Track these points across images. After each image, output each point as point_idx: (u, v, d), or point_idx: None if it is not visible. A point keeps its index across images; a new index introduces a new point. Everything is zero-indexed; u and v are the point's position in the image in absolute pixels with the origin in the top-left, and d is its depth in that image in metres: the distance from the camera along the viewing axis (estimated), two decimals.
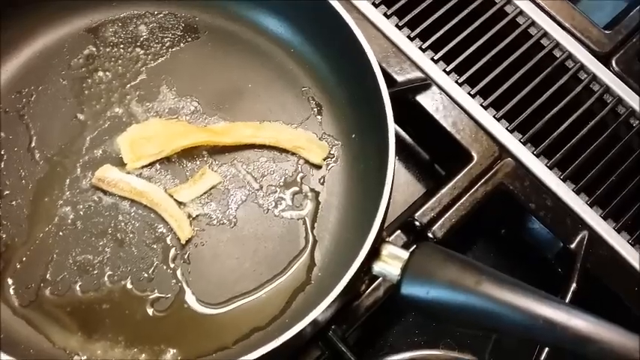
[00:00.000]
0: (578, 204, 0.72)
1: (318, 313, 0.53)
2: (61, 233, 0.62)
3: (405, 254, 0.55)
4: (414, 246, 0.56)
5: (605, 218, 0.72)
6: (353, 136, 0.68)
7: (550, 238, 0.71)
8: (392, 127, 0.61)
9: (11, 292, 0.59)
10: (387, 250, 0.56)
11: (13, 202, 0.62)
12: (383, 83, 0.62)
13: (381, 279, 0.65)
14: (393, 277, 0.55)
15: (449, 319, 0.54)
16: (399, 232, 0.68)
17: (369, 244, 0.54)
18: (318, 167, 0.67)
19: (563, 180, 0.73)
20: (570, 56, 0.79)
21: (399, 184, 0.77)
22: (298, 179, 0.67)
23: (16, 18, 0.66)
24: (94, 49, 0.69)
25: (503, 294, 0.50)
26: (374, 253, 0.56)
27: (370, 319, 0.67)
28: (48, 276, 0.60)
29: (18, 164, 0.64)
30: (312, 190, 0.67)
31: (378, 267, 0.56)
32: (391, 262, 0.55)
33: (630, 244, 0.71)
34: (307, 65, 0.71)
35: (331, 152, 0.68)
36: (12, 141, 0.64)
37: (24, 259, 0.60)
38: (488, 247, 0.75)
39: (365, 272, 0.56)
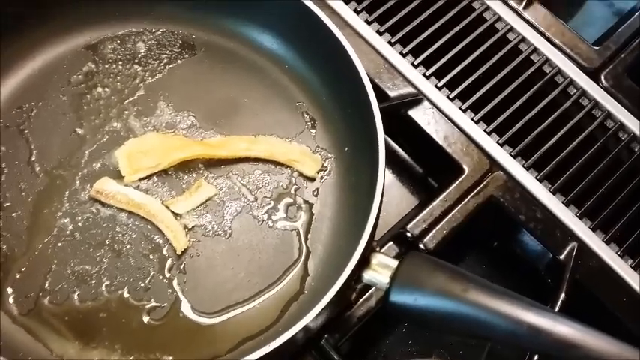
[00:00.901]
0: (567, 216, 0.73)
1: (309, 319, 0.54)
2: (59, 244, 0.63)
3: (394, 263, 0.56)
4: (404, 255, 0.57)
5: (594, 230, 0.73)
6: (346, 149, 0.70)
7: (540, 250, 0.72)
8: (382, 141, 0.62)
9: (11, 301, 0.60)
10: (377, 259, 0.57)
11: (14, 214, 0.64)
12: (374, 98, 0.64)
13: (373, 289, 0.66)
14: (383, 285, 0.56)
15: (437, 326, 0.55)
16: (391, 243, 0.69)
17: (359, 253, 0.56)
18: (312, 180, 0.69)
19: (553, 193, 0.74)
20: (560, 72, 0.81)
21: (393, 197, 0.79)
22: (292, 191, 0.68)
23: (17, 36, 0.68)
24: (93, 65, 0.71)
25: (490, 301, 0.51)
26: (364, 262, 0.57)
27: (363, 329, 0.68)
28: (47, 285, 0.61)
29: (18, 177, 0.65)
30: (305, 202, 0.68)
31: (368, 275, 0.57)
32: (381, 270, 0.57)
33: (619, 255, 0.72)
34: (301, 81, 0.73)
35: (324, 165, 0.70)
36: (12, 155, 0.66)
37: (23, 269, 0.62)
38: (480, 259, 0.77)
39: (355, 280, 0.57)
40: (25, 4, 0.68)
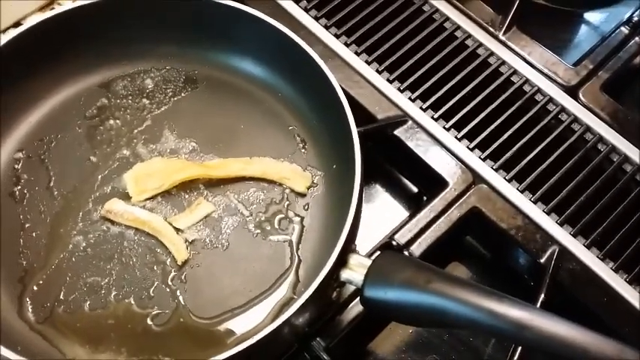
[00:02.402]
0: (548, 223, 0.77)
1: (289, 314, 0.59)
2: (73, 259, 0.70)
3: (369, 262, 0.61)
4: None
5: (575, 235, 0.76)
6: (334, 167, 0.76)
7: (522, 255, 0.76)
8: (359, 158, 0.67)
9: (29, 310, 0.67)
10: (354, 259, 0.62)
11: (34, 234, 0.71)
12: (352, 122, 0.69)
13: None
14: (358, 282, 0.61)
15: (409, 318, 0.60)
16: (378, 252, 0.74)
17: (337, 254, 0.61)
18: (303, 195, 0.75)
19: (534, 202, 0.78)
20: (539, 90, 0.85)
21: (386, 212, 0.83)
22: (284, 206, 0.74)
23: (40, 75, 0.77)
24: (106, 101, 0.79)
25: (451, 290, 0.55)
26: (342, 263, 0.62)
27: (356, 334, 0.72)
28: (61, 296, 0.68)
29: (38, 201, 0.73)
30: (297, 215, 0.74)
31: (345, 274, 0.62)
32: (357, 269, 0.62)
33: (600, 258, 0.75)
34: (293, 107, 0.79)
35: (314, 182, 0.76)
36: (33, 182, 0.73)
37: (41, 282, 0.68)
38: (467, 267, 0.80)
39: (335, 279, 0.62)
40: (46, 49, 0.77)
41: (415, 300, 0.56)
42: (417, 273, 0.57)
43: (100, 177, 0.75)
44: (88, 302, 0.68)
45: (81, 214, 0.72)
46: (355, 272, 0.61)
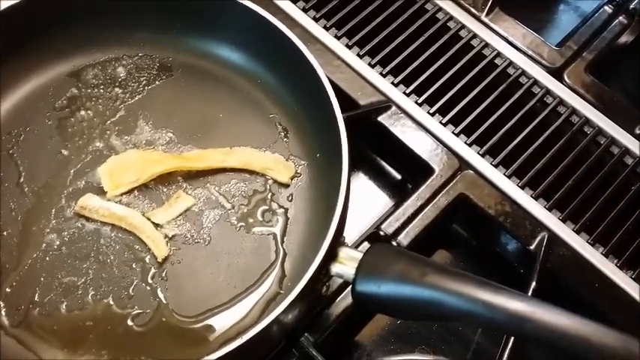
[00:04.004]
0: (536, 209, 0.75)
1: (278, 312, 0.56)
2: (47, 258, 0.67)
3: (359, 255, 0.59)
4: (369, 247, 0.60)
5: (564, 221, 0.75)
6: (317, 155, 0.73)
7: (512, 242, 0.75)
8: (345, 146, 0.65)
9: (2, 313, 0.64)
10: (344, 252, 0.60)
11: (4, 232, 0.67)
12: (337, 108, 0.67)
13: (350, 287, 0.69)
14: (349, 277, 0.59)
15: (402, 312, 0.58)
16: (365, 242, 0.72)
17: (326, 248, 0.59)
18: (286, 186, 0.72)
19: (522, 187, 0.77)
20: (524, 73, 0.84)
21: (371, 201, 0.81)
22: (268, 198, 0.72)
23: (4, 65, 0.73)
24: (77, 91, 0.75)
25: (447, 283, 0.54)
26: (332, 257, 0.60)
27: (345, 327, 0.70)
28: (36, 298, 0.64)
29: (8, 198, 0.69)
30: (280, 206, 0.71)
31: (335, 268, 0.60)
32: (347, 263, 0.59)
33: (590, 243, 0.74)
34: (273, 94, 0.76)
35: (298, 171, 0.73)
36: (2, 178, 0.70)
37: (14, 283, 0.65)
38: (456, 256, 0.79)
39: (325, 274, 0.60)
40: (10, 38, 0.73)
41: (410, 294, 0.54)
42: (410, 266, 0.55)
43: (72, 171, 0.71)
44: (65, 303, 0.65)
45: (54, 210, 0.69)
46: (346, 266, 0.59)
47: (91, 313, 0.64)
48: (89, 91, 0.76)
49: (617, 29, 0.88)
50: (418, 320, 0.71)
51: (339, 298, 0.69)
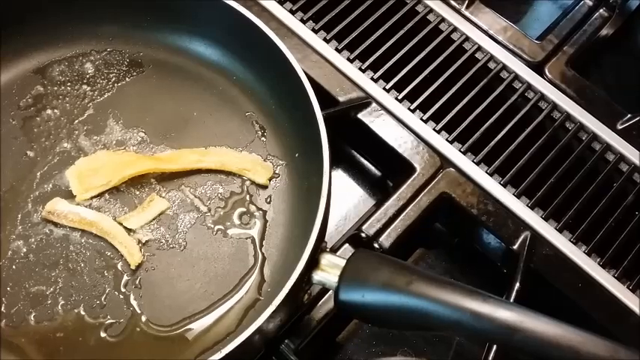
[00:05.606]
0: (519, 207, 0.74)
1: (260, 322, 0.54)
2: (14, 267, 0.63)
3: (342, 262, 0.57)
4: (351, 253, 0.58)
5: (546, 219, 0.74)
6: (296, 155, 0.71)
7: (495, 242, 0.73)
8: (326, 145, 0.63)
9: None
10: (326, 259, 0.58)
11: None
12: (316, 105, 0.65)
13: (331, 291, 0.67)
14: (332, 285, 0.57)
15: (387, 321, 0.56)
16: (346, 245, 0.70)
17: (307, 255, 0.56)
18: (264, 187, 0.70)
19: (504, 185, 0.75)
20: (505, 67, 0.82)
21: (351, 200, 0.79)
22: (245, 200, 0.69)
23: None
24: (42, 88, 0.72)
25: (433, 292, 0.52)
26: (314, 264, 0.58)
27: (326, 332, 0.69)
28: (2, 309, 0.61)
29: None
30: (259, 209, 0.69)
31: (317, 276, 0.58)
32: (330, 270, 0.57)
33: (572, 242, 0.73)
34: (249, 91, 0.74)
35: (276, 172, 0.71)
36: None
37: None
38: (439, 256, 0.77)
39: (306, 282, 0.58)
40: None
41: (395, 302, 0.53)
42: (395, 273, 0.53)
43: (39, 174, 0.68)
44: (33, 314, 0.62)
45: (20, 216, 0.66)
46: (328, 274, 0.57)
47: (61, 324, 0.62)
48: (55, 88, 0.72)
49: (598, 22, 0.87)
50: (404, 330, 0.69)
51: (320, 303, 0.67)
